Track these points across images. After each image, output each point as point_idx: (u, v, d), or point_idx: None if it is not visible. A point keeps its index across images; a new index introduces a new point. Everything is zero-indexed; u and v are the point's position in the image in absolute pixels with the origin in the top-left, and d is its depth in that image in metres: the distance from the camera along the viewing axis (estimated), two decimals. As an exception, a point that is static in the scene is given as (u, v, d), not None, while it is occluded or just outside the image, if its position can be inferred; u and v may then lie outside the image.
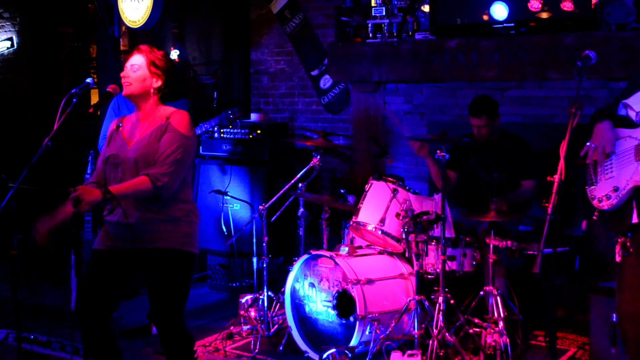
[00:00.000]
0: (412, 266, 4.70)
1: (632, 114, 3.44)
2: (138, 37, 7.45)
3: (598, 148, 3.40)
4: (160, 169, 3.52)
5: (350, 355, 4.40)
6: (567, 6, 5.32)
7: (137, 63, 3.66)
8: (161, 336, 3.75)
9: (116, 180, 3.64)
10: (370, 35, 6.28)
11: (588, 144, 3.44)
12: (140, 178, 3.51)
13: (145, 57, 3.68)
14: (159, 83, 3.68)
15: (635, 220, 3.36)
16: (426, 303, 4.56)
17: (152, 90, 3.67)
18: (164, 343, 3.76)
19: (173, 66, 3.81)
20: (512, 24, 5.59)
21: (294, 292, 4.94)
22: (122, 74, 3.67)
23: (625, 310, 3.46)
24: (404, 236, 4.70)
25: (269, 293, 5.21)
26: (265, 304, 5.16)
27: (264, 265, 5.19)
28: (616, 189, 3.39)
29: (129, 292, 5.39)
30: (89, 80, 3.77)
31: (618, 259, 3.44)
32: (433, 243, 4.75)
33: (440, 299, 4.51)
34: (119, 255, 3.67)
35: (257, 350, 4.86)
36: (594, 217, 3.53)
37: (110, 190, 3.41)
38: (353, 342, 4.54)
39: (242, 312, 5.26)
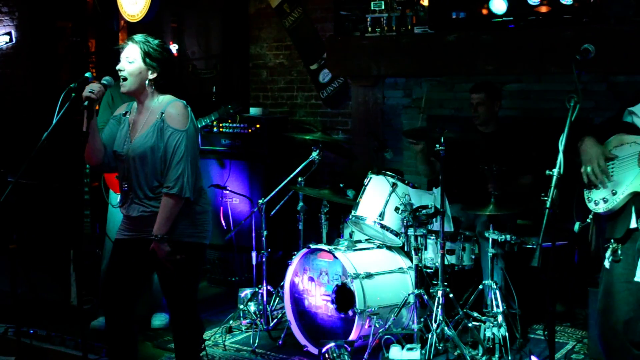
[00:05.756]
0: (411, 260, 4.70)
1: (638, 121, 3.43)
2: (137, 31, 7.43)
3: (592, 169, 3.37)
4: (169, 177, 3.57)
5: (349, 349, 4.40)
6: (566, 0, 5.32)
7: (132, 55, 3.63)
8: (172, 322, 3.88)
9: (123, 173, 3.72)
10: (370, 29, 6.27)
11: (582, 169, 3.41)
12: (163, 202, 3.58)
13: (140, 49, 3.63)
14: (155, 75, 3.65)
15: (633, 225, 3.33)
16: (425, 297, 4.57)
17: (147, 83, 3.66)
18: (175, 328, 3.85)
19: (170, 56, 3.80)
20: (511, 18, 5.58)
21: (293, 286, 4.94)
22: (117, 67, 3.65)
23: (609, 318, 3.39)
24: (403, 230, 4.70)
25: (268, 287, 5.22)
26: (265, 298, 5.17)
27: (263, 260, 5.20)
28: (615, 193, 3.36)
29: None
30: (87, 74, 3.75)
31: (607, 264, 3.40)
32: (432, 237, 4.76)
33: (439, 293, 4.51)
34: (135, 244, 3.72)
35: (256, 345, 4.87)
36: (588, 220, 3.49)
37: (160, 234, 3.56)
38: (352, 336, 4.54)
39: (241, 307, 5.27)
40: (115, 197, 5.02)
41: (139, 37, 3.69)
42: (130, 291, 3.76)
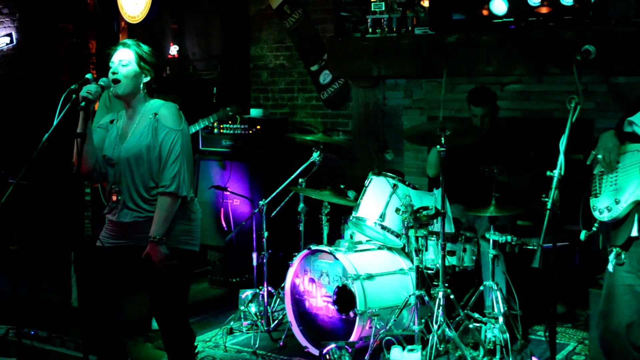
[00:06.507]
0: (412, 261, 4.70)
1: (639, 130, 3.44)
2: (137, 33, 7.44)
3: (603, 157, 3.39)
4: (165, 176, 3.55)
5: (350, 350, 4.40)
6: (566, 1, 5.32)
7: (126, 58, 3.61)
8: (162, 331, 3.78)
9: (114, 179, 3.66)
10: (370, 30, 6.27)
11: (593, 152, 3.43)
12: (159, 202, 3.55)
13: (134, 52, 3.63)
14: (149, 79, 3.66)
15: (635, 233, 3.34)
16: (426, 298, 4.57)
17: (141, 86, 3.65)
18: (165, 338, 3.78)
19: (160, 61, 3.79)
20: (512, 19, 5.58)
21: (294, 288, 4.94)
22: (111, 70, 3.62)
23: (611, 321, 3.40)
24: (403, 231, 4.70)
25: (269, 288, 5.22)
26: (265, 299, 5.17)
27: (264, 261, 5.20)
28: (618, 201, 3.37)
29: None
30: (88, 75, 3.74)
31: (611, 268, 3.41)
32: (433, 238, 4.76)
33: (440, 294, 4.51)
34: (119, 252, 3.67)
35: (257, 346, 4.87)
36: (593, 228, 3.49)
37: (159, 235, 3.51)
38: (353, 337, 4.54)
39: (242, 308, 5.27)
40: None
41: (130, 41, 3.69)
42: (113, 299, 3.69)
